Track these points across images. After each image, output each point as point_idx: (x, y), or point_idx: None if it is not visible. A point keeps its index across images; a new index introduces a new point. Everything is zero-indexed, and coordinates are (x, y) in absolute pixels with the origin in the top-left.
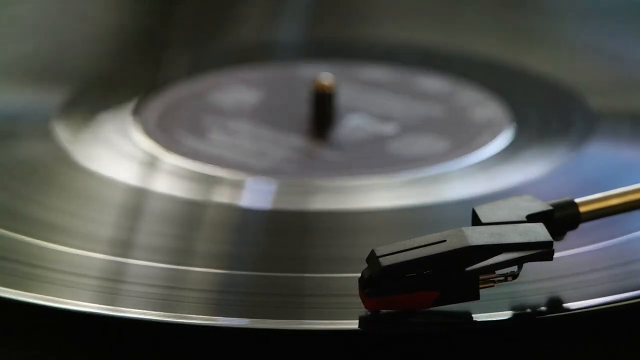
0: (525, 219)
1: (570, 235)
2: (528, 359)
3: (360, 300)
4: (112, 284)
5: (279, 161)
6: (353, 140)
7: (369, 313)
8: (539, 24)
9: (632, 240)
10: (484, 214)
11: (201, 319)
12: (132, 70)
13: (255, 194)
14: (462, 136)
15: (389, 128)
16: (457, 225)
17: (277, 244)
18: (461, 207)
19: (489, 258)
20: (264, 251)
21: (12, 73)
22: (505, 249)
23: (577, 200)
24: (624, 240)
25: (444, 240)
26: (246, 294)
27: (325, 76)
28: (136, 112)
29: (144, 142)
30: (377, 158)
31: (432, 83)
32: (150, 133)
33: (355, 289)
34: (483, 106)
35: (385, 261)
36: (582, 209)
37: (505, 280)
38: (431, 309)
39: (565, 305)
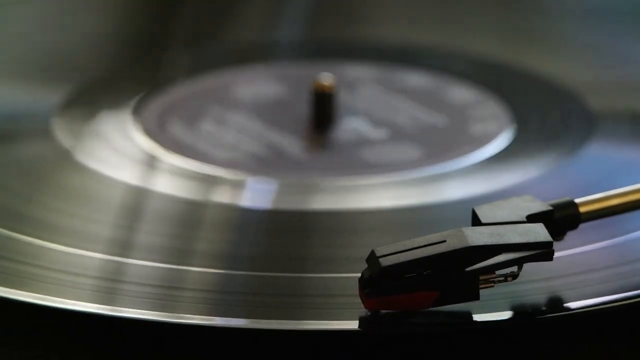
0: (525, 219)
1: (570, 235)
2: (528, 359)
3: (360, 300)
4: (112, 283)
5: (248, 156)
6: (346, 141)
7: (369, 313)
8: (539, 24)
9: (632, 240)
10: (483, 214)
11: (201, 319)
12: (132, 70)
13: (255, 194)
14: (462, 136)
15: (383, 131)
16: (457, 225)
17: (277, 244)
18: (461, 207)
19: (489, 258)
20: (263, 251)
21: (12, 72)
22: (505, 249)
23: (577, 200)
24: (624, 240)
25: (444, 241)
26: (246, 294)
27: (325, 76)
28: (136, 112)
29: (144, 142)
30: (371, 161)
31: (432, 82)
32: (150, 133)
33: (355, 289)
34: (483, 106)
35: (385, 261)
36: (582, 209)
37: (505, 280)
38: (431, 309)
39: (565, 305)
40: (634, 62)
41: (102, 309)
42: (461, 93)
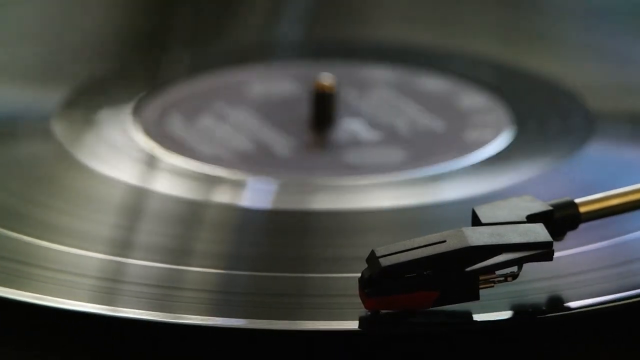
0: (525, 219)
1: (570, 235)
2: (528, 359)
3: (360, 300)
4: (112, 283)
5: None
6: (337, 142)
7: (369, 313)
8: (539, 24)
9: (632, 240)
10: (483, 214)
11: (201, 319)
12: (132, 70)
13: (255, 194)
14: (461, 136)
15: (377, 133)
16: (457, 225)
17: (277, 244)
18: (461, 207)
19: (489, 258)
20: (263, 251)
21: (12, 73)
22: (505, 250)
23: (577, 200)
24: (624, 240)
25: (444, 241)
26: (246, 294)
27: (325, 76)
28: (136, 112)
29: (144, 142)
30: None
31: (432, 83)
32: (150, 133)
33: (355, 289)
34: (483, 106)
35: (385, 261)
36: (582, 209)
37: (505, 280)
38: (431, 309)
39: (565, 305)
40: (634, 62)
41: (102, 309)
42: (460, 93)
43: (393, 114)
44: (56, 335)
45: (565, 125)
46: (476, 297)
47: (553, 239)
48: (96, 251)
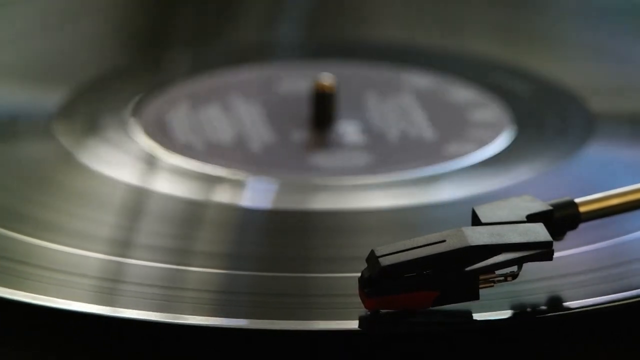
0: (525, 219)
1: (570, 235)
2: (528, 359)
3: (360, 300)
4: (112, 284)
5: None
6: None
7: (369, 313)
8: (539, 24)
9: (631, 240)
10: (483, 214)
11: (201, 320)
12: (132, 70)
13: (256, 194)
14: (461, 136)
15: (366, 135)
16: (457, 225)
17: (277, 243)
18: (461, 207)
19: (489, 258)
20: (264, 251)
21: (12, 73)
22: (505, 249)
23: (577, 200)
24: (623, 240)
25: (444, 240)
26: (246, 294)
27: (325, 76)
28: (136, 112)
29: (144, 142)
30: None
31: (431, 83)
32: (150, 133)
33: (355, 289)
34: (483, 106)
35: (385, 261)
36: (582, 209)
37: (505, 280)
38: (431, 309)
39: (565, 304)
40: (634, 62)
41: (102, 309)
42: (460, 93)
43: (390, 115)
44: (56, 336)
45: (565, 125)
46: (476, 297)
47: (553, 238)
48: (96, 251)
